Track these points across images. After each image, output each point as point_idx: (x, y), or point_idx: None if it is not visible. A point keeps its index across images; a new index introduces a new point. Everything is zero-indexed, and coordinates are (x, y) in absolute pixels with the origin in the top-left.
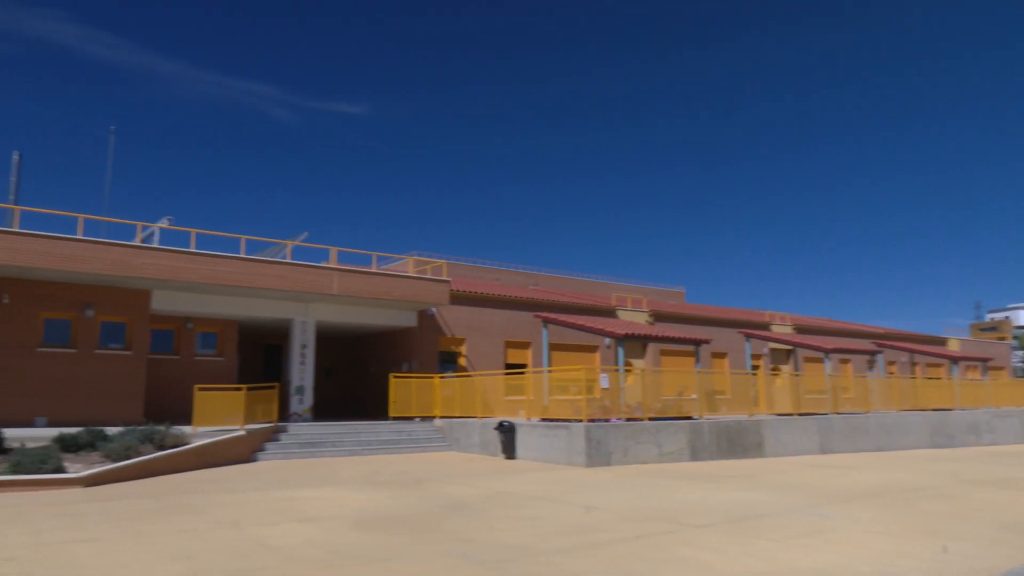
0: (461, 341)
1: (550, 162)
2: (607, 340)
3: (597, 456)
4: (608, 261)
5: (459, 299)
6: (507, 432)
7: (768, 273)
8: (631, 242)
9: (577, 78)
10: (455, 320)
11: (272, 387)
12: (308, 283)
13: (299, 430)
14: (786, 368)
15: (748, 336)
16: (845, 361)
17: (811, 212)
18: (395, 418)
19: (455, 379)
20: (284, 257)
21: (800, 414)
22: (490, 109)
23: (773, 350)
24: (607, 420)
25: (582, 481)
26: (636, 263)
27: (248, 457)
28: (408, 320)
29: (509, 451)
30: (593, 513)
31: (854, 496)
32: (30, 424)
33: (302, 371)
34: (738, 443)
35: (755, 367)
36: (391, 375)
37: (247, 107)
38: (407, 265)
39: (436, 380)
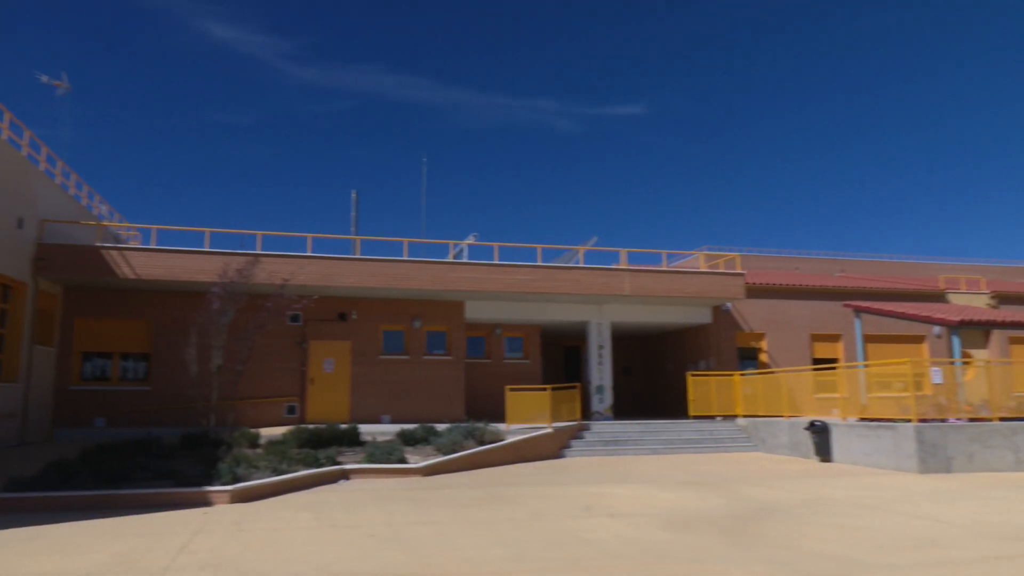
0: (760, 336)
1: (843, 131)
2: (936, 328)
3: (933, 461)
4: (931, 237)
5: (756, 292)
6: (820, 432)
7: None
8: (960, 210)
9: (866, 37)
10: (752, 314)
11: (574, 387)
12: (601, 285)
13: (601, 428)
14: None
15: None
16: None
17: None
18: (695, 417)
19: (757, 376)
20: (577, 262)
21: None
22: (771, 85)
23: None
24: (943, 420)
25: (915, 489)
26: (969, 237)
27: (556, 454)
28: (702, 317)
29: (823, 453)
30: (933, 525)
31: None
32: (377, 421)
33: (600, 371)
34: None
35: None
36: (688, 374)
37: (532, 123)
38: (698, 261)
39: (736, 378)
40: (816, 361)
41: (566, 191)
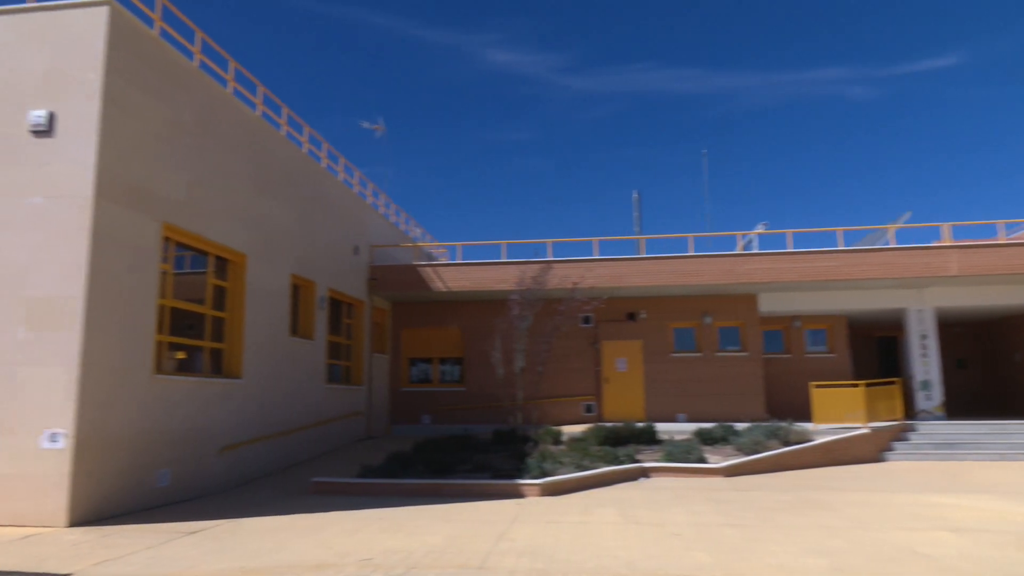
0: None
1: None
2: None
3: None
4: None
5: None
6: None
7: None
8: None
9: None
10: None
11: (892, 383)
12: (920, 267)
13: (930, 429)
14: None
15: None
16: None
17: None
18: None
19: None
20: (886, 243)
21: None
22: None
23: None
24: None
25: None
26: None
27: (874, 457)
28: None
29: None
30: None
31: None
32: (672, 420)
33: (925, 364)
34: None
35: None
36: None
37: (819, 96)
38: None
39: None
40: None
41: (866, 166)
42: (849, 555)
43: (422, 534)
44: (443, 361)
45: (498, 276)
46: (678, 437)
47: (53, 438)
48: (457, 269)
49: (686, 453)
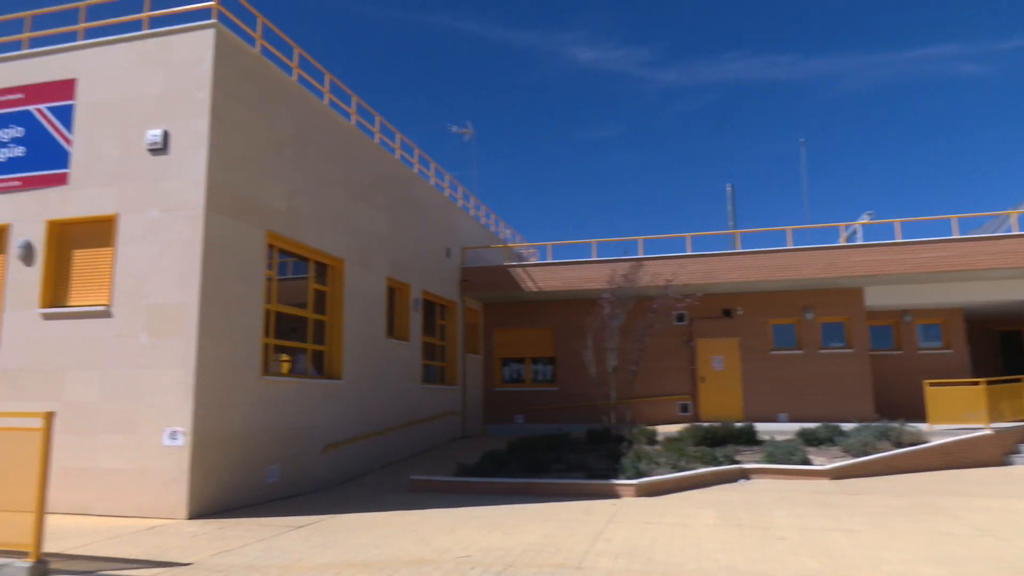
0: None
1: None
2: None
3: None
4: None
5: None
6: None
7: None
8: None
9: None
10: None
11: (1018, 380)
12: None
13: None
14: None
15: None
16: None
17: None
18: None
19: None
20: (1008, 229)
21: None
22: None
23: None
24: None
25: None
26: None
27: (998, 460)
28: None
29: None
30: None
31: None
32: (772, 419)
33: None
34: None
35: None
36: None
37: (927, 75)
38: None
39: None
40: None
41: (981, 148)
42: (972, 563)
43: (518, 533)
44: (535, 361)
45: (588, 275)
46: (779, 438)
47: (173, 436)
48: (547, 269)
49: (789, 454)
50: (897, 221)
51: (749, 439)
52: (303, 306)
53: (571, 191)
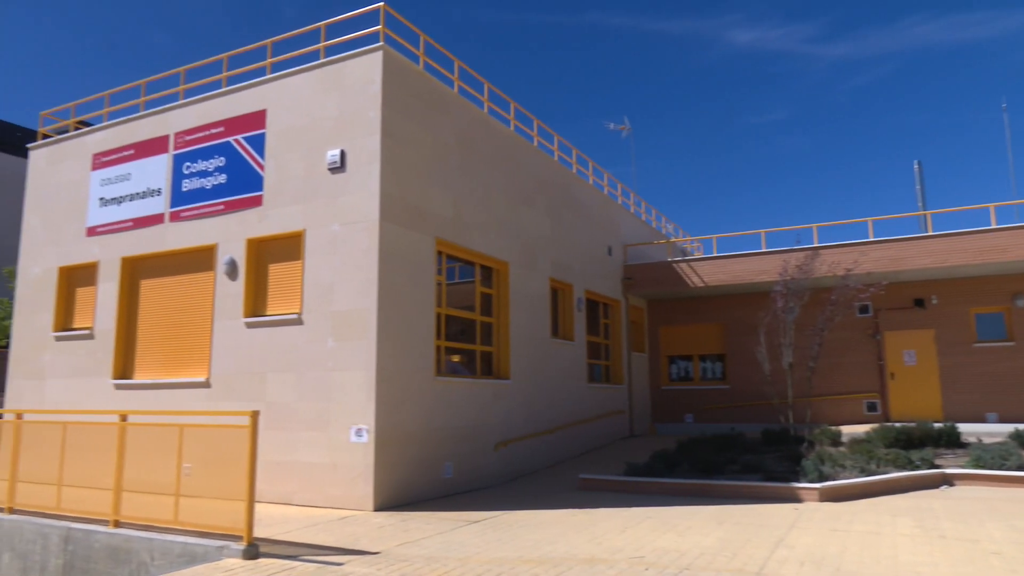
0: None
1: None
2: None
3: None
4: None
5: None
6: None
7: None
8: None
9: None
10: None
11: None
12: None
13: None
14: None
15: None
16: None
17: None
18: None
19: None
20: None
21: None
22: None
23: None
24: None
25: None
26: None
27: None
28: None
29: None
30: None
31: None
32: (979, 419)
33: None
34: None
35: None
36: None
37: None
38: None
39: None
40: None
41: None
42: None
43: (692, 535)
44: (703, 358)
45: (758, 267)
46: (987, 440)
47: (359, 433)
48: (713, 263)
49: (1001, 459)
50: None
51: (951, 441)
52: (471, 309)
53: (736, 181)
